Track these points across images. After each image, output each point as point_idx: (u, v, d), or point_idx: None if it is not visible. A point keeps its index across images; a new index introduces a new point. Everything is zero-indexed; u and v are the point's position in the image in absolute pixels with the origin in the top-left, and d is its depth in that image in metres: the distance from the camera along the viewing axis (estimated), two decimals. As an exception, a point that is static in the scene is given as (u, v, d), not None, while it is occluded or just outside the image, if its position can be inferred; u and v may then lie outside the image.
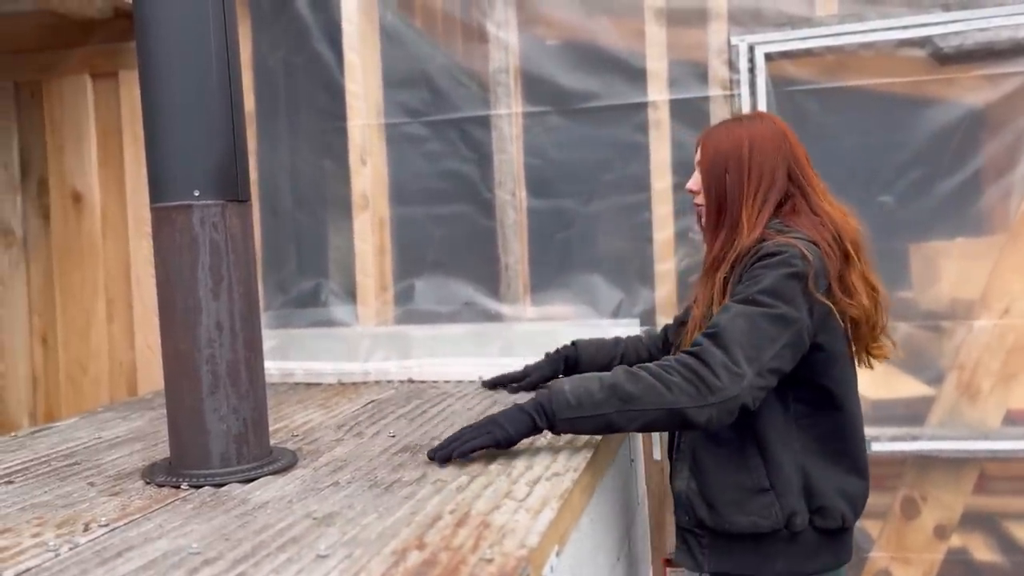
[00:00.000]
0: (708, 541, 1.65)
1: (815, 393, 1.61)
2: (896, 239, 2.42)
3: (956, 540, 2.47)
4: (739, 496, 1.60)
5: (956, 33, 2.37)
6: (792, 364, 1.53)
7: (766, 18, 2.50)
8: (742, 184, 1.65)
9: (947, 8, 2.38)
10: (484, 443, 1.48)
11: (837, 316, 1.57)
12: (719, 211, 1.68)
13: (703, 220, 1.75)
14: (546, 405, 1.48)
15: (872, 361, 1.72)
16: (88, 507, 1.36)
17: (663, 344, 2.07)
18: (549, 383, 1.54)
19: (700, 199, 1.75)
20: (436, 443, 1.66)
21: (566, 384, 1.50)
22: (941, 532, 2.47)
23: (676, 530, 1.74)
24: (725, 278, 1.62)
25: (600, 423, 1.48)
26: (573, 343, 2.12)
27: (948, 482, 2.46)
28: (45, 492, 1.46)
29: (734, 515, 1.60)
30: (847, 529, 1.67)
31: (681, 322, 2.01)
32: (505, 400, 2.06)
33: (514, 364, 2.25)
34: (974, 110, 2.41)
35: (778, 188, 1.65)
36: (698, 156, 1.76)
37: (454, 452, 1.48)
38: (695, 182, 1.76)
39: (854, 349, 1.67)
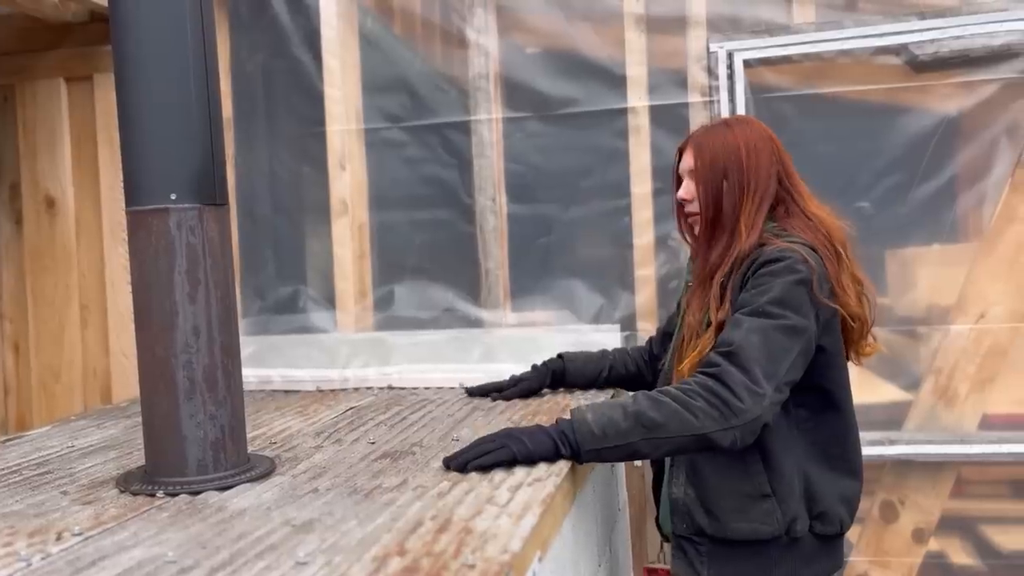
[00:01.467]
0: (707, 549, 1.64)
1: (815, 396, 1.61)
2: (872, 245, 2.44)
3: (934, 544, 2.49)
4: (740, 503, 1.59)
5: (932, 41, 2.40)
6: (802, 372, 1.53)
7: (745, 25, 2.51)
8: (741, 191, 1.62)
9: (923, 17, 2.41)
10: (502, 458, 1.45)
11: (839, 318, 1.58)
12: (716, 219, 1.64)
13: (696, 228, 1.71)
14: (570, 435, 1.46)
15: (861, 358, 1.72)
16: (61, 516, 1.33)
17: (649, 356, 2.06)
18: (570, 410, 1.51)
19: (692, 207, 1.69)
20: (417, 449, 1.66)
21: (588, 414, 1.48)
22: (919, 536, 2.49)
23: (672, 538, 1.72)
24: (723, 282, 1.60)
25: (626, 452, 1.47)
26: (560, 355, 2.10)
27: (926, 486, 2.47)
28: (17, 501, 1.43)
29: (735, 522, 1.59)
30: (842, 534, 1.67)
31: (666, 333, 2.00)
32: (486, 407, 2.05)
33: (495, 370, 2.23)
34: (949, 117, 2.44)
35: (771, 193, 1.64)
36: (688, 163, 1.69)
37: (471, 464, 1.45)
38: (688, 191, 1.69)
39: (846, 348, 1.68)
